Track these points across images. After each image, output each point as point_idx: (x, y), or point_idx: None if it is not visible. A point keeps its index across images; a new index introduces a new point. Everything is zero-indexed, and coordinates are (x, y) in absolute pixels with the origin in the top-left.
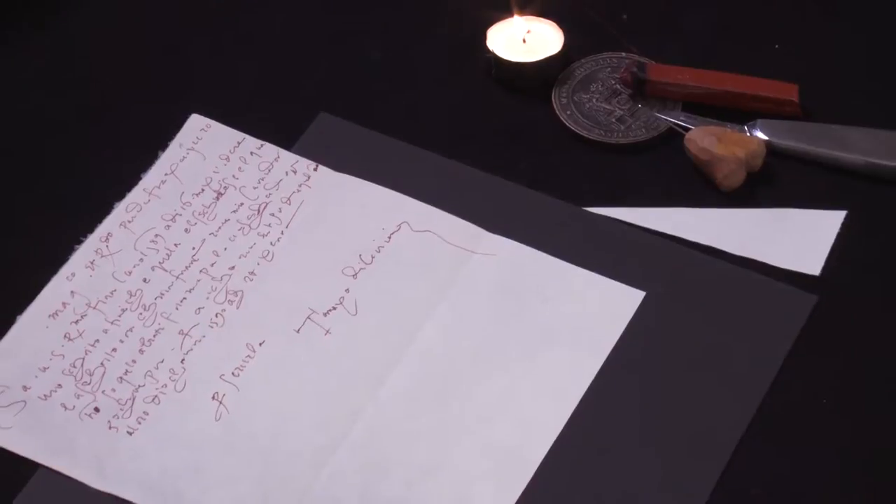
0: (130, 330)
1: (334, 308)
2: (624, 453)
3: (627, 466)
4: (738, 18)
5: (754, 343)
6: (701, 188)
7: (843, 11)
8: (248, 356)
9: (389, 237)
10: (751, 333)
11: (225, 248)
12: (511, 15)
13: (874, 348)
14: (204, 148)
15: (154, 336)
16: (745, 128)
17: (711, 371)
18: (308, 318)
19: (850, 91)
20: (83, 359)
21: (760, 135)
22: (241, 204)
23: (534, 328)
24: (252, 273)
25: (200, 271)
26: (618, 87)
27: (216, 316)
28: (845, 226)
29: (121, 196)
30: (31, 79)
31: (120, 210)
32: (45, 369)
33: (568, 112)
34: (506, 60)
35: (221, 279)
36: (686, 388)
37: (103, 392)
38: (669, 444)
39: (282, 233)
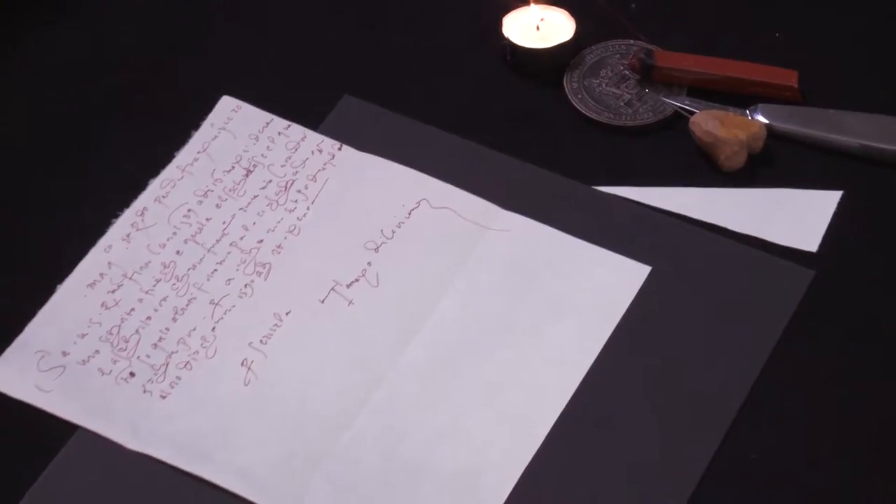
0: (164, 299)
1: (357, 280)
2: (629, 420)
3: (632, 433)
4: (741, 7)
5: (754, 316)
6: (704, 169)
7: (840, 1)
8: (276, 325)
9: (409, 213)
10: (751, 306)
11: (254, 223)
12: (526, 4)
13: (868, 321)
14: (234, 128)
15: (186, 305)
16: (747, 112)
17: (713, 342)
18: (332, 289)
19: (846, 77)
20: (119, 326)
21: (761, 118)
22: (270, 181)
23: (545, 301)
24: (279, 246)
25: (230, 244)
26: (626, 72)
27: (245, 287)
28: (841, 205)
29: (155, 173)
30: (74, 63)
31: (154, 186)
32: (83, 336)
33: (579, 96)
34: (520, 47)
35: (250, 252)
36: (689, 358)
37: (138, 358)
38: (673, 412)
39: (307, 208)
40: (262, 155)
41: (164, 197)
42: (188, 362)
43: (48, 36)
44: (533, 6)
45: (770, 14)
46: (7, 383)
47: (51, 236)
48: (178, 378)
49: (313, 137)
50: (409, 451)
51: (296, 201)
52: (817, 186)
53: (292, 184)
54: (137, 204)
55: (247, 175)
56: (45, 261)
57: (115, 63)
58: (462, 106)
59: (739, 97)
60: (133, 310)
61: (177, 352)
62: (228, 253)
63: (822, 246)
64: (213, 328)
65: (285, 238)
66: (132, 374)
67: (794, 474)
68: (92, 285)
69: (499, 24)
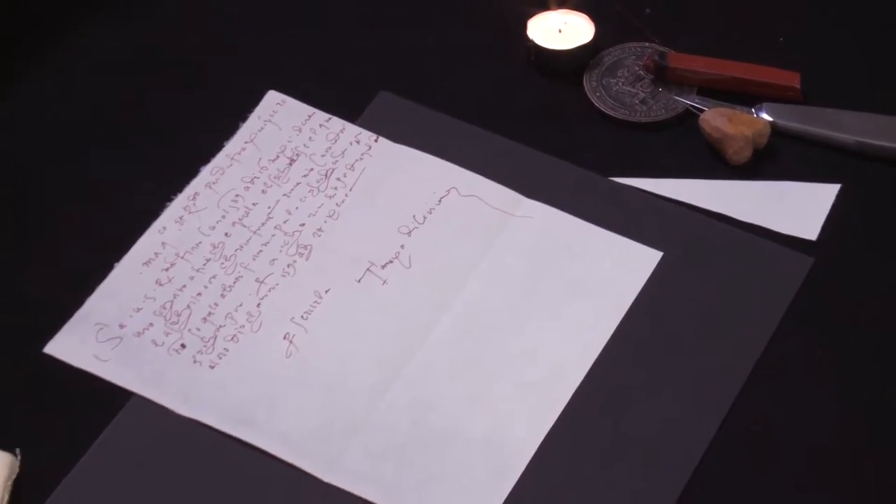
0: (213, 277)
1: (391, 261)
2: (640, 394)
3: (643, 406)
4: (748, 14)
5: (757, 299)
6: (712, 162)
7: (839, 8)
8: (316, 302)
9: (440, 201)
10: (754, 290)
11: (296, 208)
12: (549, 9)
13: (863, 304)
14: (279, 120)
15: (234, 283)
16: (753, 110)
17: (719, 323)
18: (367, 269)
19: (844, 79)
20: (172, 301)
21: (766, 116)
22: (311, 169)
23: (563, 282)
24: (319, 230)
25: (275, 227)
26: (641, 72)
27: (288, 266)
28: (839, 197)
29: (206, 161)
30: (134, 56)
31: (205, 173)
32: (138, 310)
33: (597, 94)
34: (544, 48)
35: (293, 234)
36: (696, 337)
37: (189, 331)
38: (681, 387)
39: (346, 195)
40: (305, 145)
41: (214, 183)
42: (235, 335)
43: (111, 28)
44: (555, 11)
45: (774, 19)
46: (68, 353)
47: (110, 218)
48: (226, 350)
49: (352, 130)
50: (438, 419)
51: (335, 188)
52: (817, 180)
53: (332, 172)
54: (189, 189)
55: (290, 164)
56: (104, 241)
57: (172, 57)
58: (489, 102)
59: (746, 96)
60: (184, 286)
61: (224, 326)
62: (273, 235)
63: (820, 235)
64: (258, 304)
65: (325, 222)
66: (183, 346)
67: (794, 444)
68: (147, 263)
69: (524, 27)
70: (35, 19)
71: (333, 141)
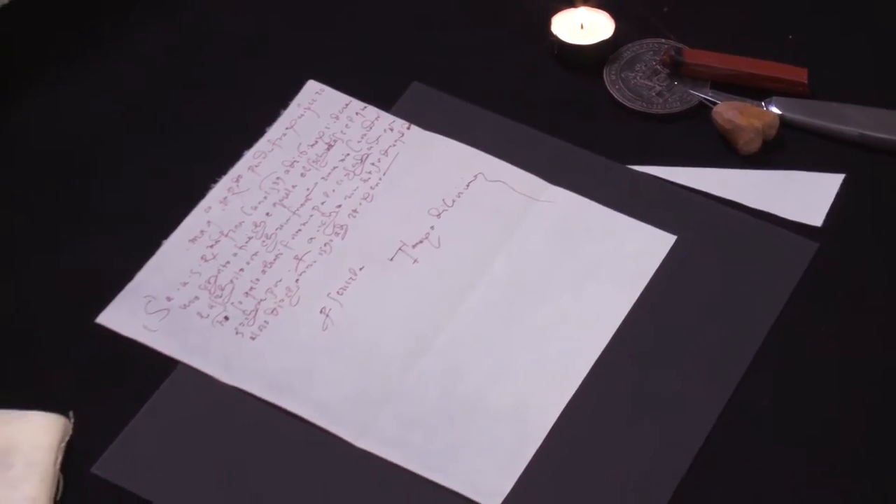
0: (255, 254)
1: (421, 241)
2: (655, 368)
3: (657, 379)
4: (759, 13)
5: (765, 280)
6: (724, 152)
7: (845, 9)
8: (351, 278)
9: (467, 185)
10: (762, 272)
11: (333, 190)
12: (572, 6)
13: (865, 286)
14: (318, 108)
15: (274, 260)
16: (763, 103)
17: (729, 302)
18: (399, 249)
19: (849, 75)
20: (216, 276)
21: (775, 109)
22: (347, 154)
23: (583, 263)
24: (355, 211)
25: (313, 208)
26: (658, 67)
27: (325, 245)
28: (843, 186)
29: (249, 145)
30: (186, 49)
31: (248, 157)
32: (184, 284)
33: (616, 87)
34: (567, 43)
35: (330, 215)
36: (707, 315)
37: (232, 304)
38: (694, 361)
39: (380, 179)
40: (342, 132)
41: (256, 166)
42: (275, 309)
43: (170, 20)
44: (578, 8)
45: (784, 19)
46: (118, 323)
47: (157, 198)
48: (266, 322)
49: (386, 118)
50: (466, 389)
51: (370, 172)
52: (822, 169)
53: (367, 157)
54: (233, 171)
55: (328, 149)
56: (153, 219)
57: (221, 48)
58: (515, 93)
59: (756, 90)
60: (228, 263)
61: (265, 300)
62: (311, 215)
63: (825, 221)
64: (297, 280)
65: (360, 204)
66: (226, 318)
67: (801, 418)
68: (193, 241)
69: (548, 24)
70: (105, 9)
71: (368, 128)
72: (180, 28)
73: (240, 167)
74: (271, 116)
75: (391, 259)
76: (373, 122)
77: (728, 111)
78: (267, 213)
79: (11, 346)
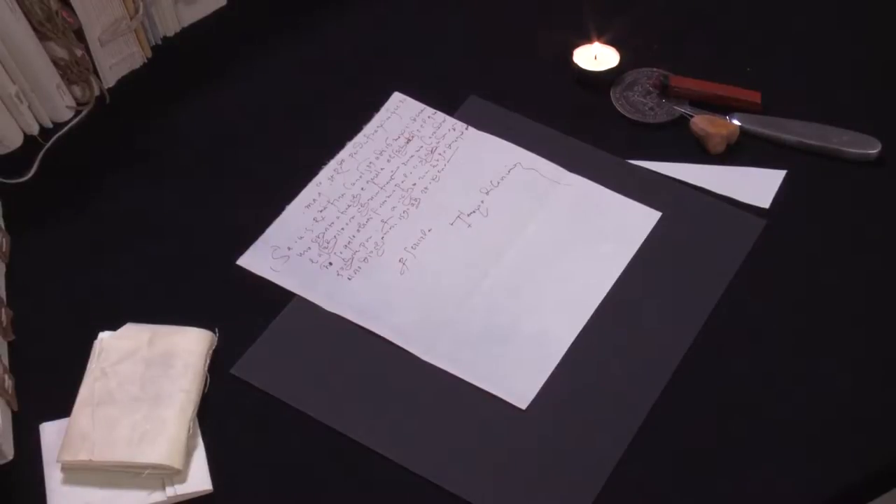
0: (352, 218)
1: (474, 212)
2: (644, 306)
3: (646, 314)
4: (726, 50)
5: (726, 245)
6: (698, 152)
7: (790, 49)
8: (421, 237)
9: (508, 171)
10: (724, 239)
11: (410, 172)
12: (589, 42)
13: (802, 256)
14: (401, 112)
15: (366, 222)
16: (727, 117)
17: (696, 263)
18: (458, 216)
19: (791, 97)
20: (323, 233)
21: (736, 122)
22: (421, 147)
23: (592, 230)
24: (426, 188)
25: (395, 185)
26: (650, 89)
27: (403, 212)
28: (785, 179)
29: (350, 138)
30: (309, 65)
31: (349, 146)
32: (300, 238)
33: (620, 102)
34: (584, 69)
35: (407, 190)
36: (680, 271)
37: (334, 253)
38: (673, 302)
39: (444, 165)
40: (418, 130)
41: (354, 153)
42: (366, 258)
43: (289, 47)
44: (593, 44)
45: (744, 55)
46: (252, 265)
47: (282, 174)
48: (359, 268)
49: (450, 121)
50: (504, 320)
51: (437, 160)
52: (770, 166)
53: (435, 149)
54: (338, 156)
55: (407, 142)
56: (279, 190)
57: (333, 67)
58: (545, 105)
59: (723, 107)
60: (332, 223)
61: (359, 251)
62: (394, 191)
63: (772, 204)
64: (382, 237)
65: (430, 183)
66: (330, 264)
67: (754, 330)
68: (308, 206)
69: (570, 55)
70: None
71: (437, 128)
72: (310, 52)
73: (342, 154)
74: (367, 118)
75: (451, 224)
76: (440, 124)
77: (702, 122)
78: (362, 188)
79: (177, 281)
